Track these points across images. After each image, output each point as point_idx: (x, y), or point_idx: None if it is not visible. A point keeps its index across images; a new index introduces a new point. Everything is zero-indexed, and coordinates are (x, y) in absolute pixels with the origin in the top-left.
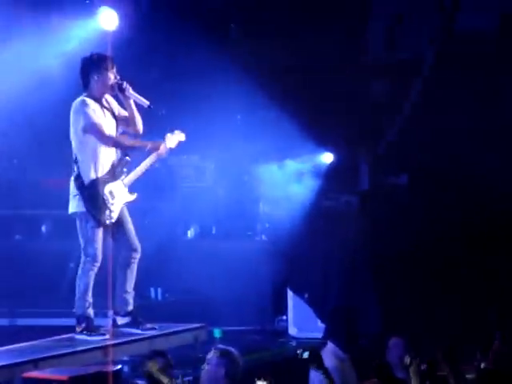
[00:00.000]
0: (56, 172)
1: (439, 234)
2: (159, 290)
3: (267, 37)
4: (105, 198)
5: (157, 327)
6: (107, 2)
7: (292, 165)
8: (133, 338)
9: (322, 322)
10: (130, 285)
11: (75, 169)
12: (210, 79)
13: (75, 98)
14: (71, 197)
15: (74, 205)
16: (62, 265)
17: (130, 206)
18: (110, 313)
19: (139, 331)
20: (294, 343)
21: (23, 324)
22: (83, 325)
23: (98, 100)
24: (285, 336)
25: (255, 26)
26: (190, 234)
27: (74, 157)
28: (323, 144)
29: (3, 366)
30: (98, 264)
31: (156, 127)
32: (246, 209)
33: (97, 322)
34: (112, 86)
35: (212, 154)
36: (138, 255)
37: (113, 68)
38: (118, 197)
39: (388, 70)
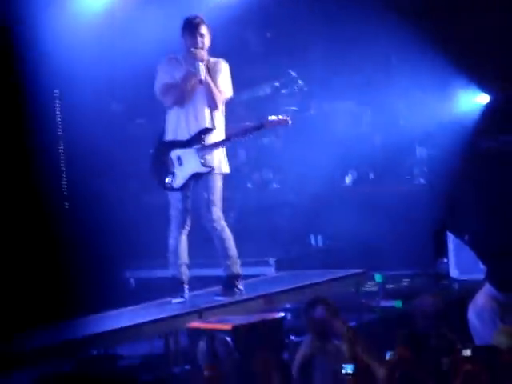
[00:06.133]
0: None
1: None
2: (319, 236)
3: None
4: (168, 161)
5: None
6: None
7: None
8: (295, 285)
9: (483, 263)
10: (221, 254)
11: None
12: (363, 21)
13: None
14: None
15: None
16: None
17: (289, 154)
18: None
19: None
20: (456, 285)
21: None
22: (175, 286)
23: (183, 63)
24: (447, 278)
25: None
26: (348, 179)
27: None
28: (479, 85)
29: (168, 318)
30: (182, 226)
31: (310, 74)
32: (403, 153)
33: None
34: (191, 51)
35: (368, 99)
36: (215, 229)
37: (196, 32)
38: (187, 164)
39: None
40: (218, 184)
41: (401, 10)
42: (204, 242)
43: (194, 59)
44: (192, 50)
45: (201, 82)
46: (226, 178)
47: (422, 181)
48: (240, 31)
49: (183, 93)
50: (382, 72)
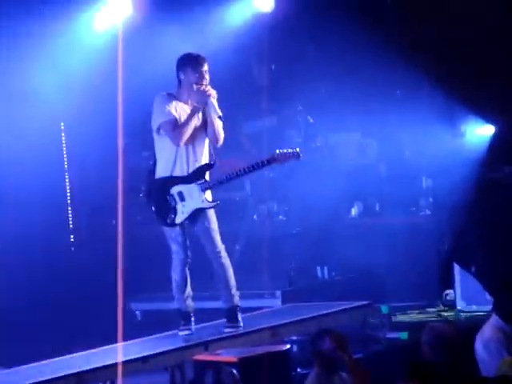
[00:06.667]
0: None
1: None
2: (325, 268)
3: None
4: (168, 197)
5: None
6: None
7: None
8: (301, 317)
9: (490, 295)
10: (223, 284)
11: (152, 164)
12: (367, 54)
13: None
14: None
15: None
16: (228, 247)
17: (294, 186)
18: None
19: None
20: (462, 317)
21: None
22: (181, 320)
23: (182, 100)
24: (453, 310)
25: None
26: (354, 211)
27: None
28: (484, 116)
29: (174, 350)
30: (184, 259)
31: (316, 105)
32: (409, 184)
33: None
34: (195, 88)
35: (373, 131)
36: (219, 256)
37: (200, 69)
38: (190, 200)
39: None
40: (214, 214)
41: (403, 44)
42: (202, 275)
43: (201, 95)
44: (203, 86)
45: (220, 118)
46: (231, 209)
47: (428, 212)
48: (245, 62)
49: (190, 130)
50: (387, 104)
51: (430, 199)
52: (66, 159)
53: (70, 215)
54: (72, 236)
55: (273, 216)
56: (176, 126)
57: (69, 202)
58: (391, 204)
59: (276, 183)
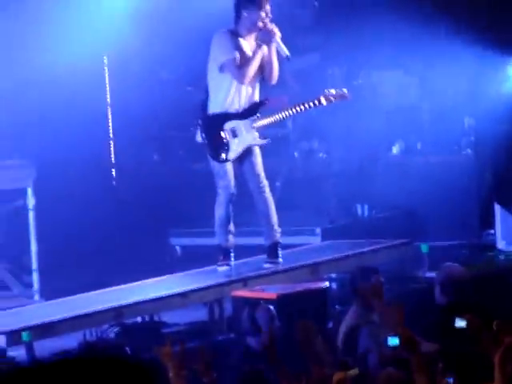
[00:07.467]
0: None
1: None
2: (366, 206)
3: None
4: (222, 133)
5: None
6: None
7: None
8: (340, 254)
9: None
10: (266, 219)
11: (204, 98)
12: None
13: None
14: (198, 125)
15: (199, 134)
16: (269, 183)
17: (336, 123)
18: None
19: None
20: (502, 257)
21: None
22: (220, 256)
23: (243, 37)
24: (493, 250)
25: None
26: (395, 150)
27: (206, 85)
28: None
29: (214, 285)
30: (231, 194)
31: (362, 45)
32: (451, 123)
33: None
34: (260, 27)
35: (416, 68)
36: (263, 191)
37: (265, 8)
38: (242, 136)
39: None
40: (259, 152)
41: None
42: (245, 210)
43: (266, 34)
44: (269, 25)
45: (288, 58)
46: (273, 146)
47: (470, 151)
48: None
49: (255, 68)
50: (431, 41)
51: (472, 138)
52: (108, 92)
53: (112, 149)
54: (114, 170)
55: (314, 153)
56: (241, 65)
57: (111, 136)
58: (433, 143)
59: (317, 121)
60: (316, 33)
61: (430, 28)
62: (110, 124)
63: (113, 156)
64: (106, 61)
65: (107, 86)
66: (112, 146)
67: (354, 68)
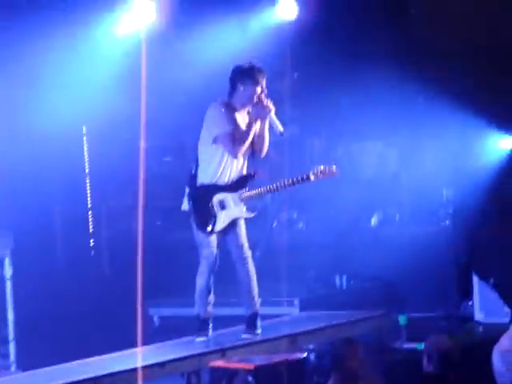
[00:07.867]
0: None
1: None
2: (344, 277)
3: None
4: (210, 205)
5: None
6: None
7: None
8: (319, 325)
9: (508, 306)
10: (247, 290)
11: (193, 168)
12: (394, 62)
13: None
14: (186, 194)
15: (186, 203)
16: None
17: (315, 194)
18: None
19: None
20: (480, 328)
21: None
22: (198, 326)
23: (237, 110)
24: (471, 321)
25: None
26: (374, 220)
27: (196, 155)
28: (505, 128)
29: (191, 356)
30: (213, 264)
31: (341, 116)
32: (429, 195)
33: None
34: (255, 101)
35: (395, 140)
36: (246, 262)
37: (261, 83)
38: (230, 209)
39: None
40: (244, 223)
41: (425, 52)
42: (227, 281)
43: (261, 110)
44: (264, 101)
45: (281, 134)
46: (252, 217)
47: (448, 223)
48: (268, 70)
49: (248, 143)
50: (409, 113)
51: (450, 210)
52: (87, 162)
53: (91, 219)
54: (92, 240)
55: (292, 224)
56: (234, 139)
57: (89, 205)
58: (411, 214)
59: (296, 191)
60: (295, 105)
61: (409, 96)
62: (89, 193)
63: (91, 226)
64: (84, 130)
65: (85, 154)
66: (90, 216)
67: (333, 139)
